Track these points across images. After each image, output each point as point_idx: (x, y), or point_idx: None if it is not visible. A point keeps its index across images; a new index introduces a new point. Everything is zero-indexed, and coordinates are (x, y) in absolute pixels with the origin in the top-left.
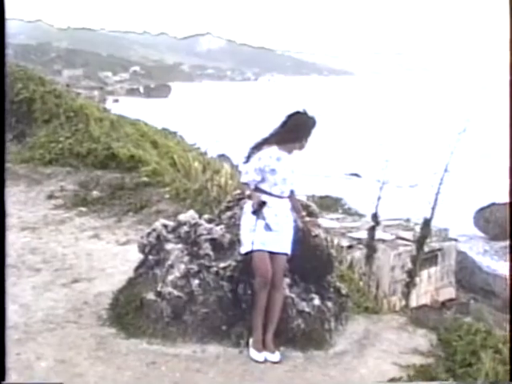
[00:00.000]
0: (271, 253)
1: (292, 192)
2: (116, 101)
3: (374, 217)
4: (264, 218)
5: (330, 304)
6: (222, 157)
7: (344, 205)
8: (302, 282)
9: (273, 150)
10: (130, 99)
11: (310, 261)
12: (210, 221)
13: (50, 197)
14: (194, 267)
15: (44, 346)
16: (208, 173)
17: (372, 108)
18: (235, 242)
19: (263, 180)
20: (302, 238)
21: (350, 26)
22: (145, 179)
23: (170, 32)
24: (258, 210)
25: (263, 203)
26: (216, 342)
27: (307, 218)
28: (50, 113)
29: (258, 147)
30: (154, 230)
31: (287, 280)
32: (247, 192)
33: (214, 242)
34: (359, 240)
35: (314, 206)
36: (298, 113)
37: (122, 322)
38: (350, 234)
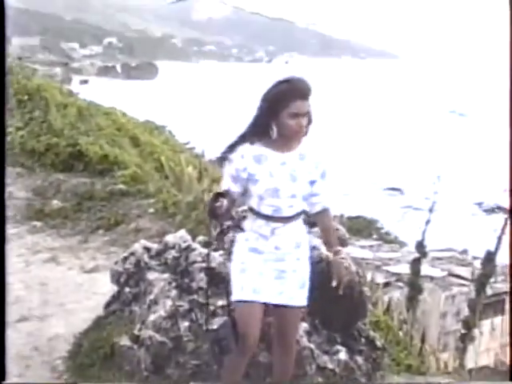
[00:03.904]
0: (274, 305)
1: (323, 210)
2: (84, 82)
3: (420, 246)
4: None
5: (360, 359)
6: (224, 161)
7: (380, 228)
8: (324, 328)
9: (247, 148)
10: (103, 80)
11: (335, 301)
12: (206, 244)
13: None
14: (185, 304)
15: None
16: (205, 181)
17: (420, 99)
18: None
19: (246, 192)
20: (325, 269)
21: None
22: (121, 187)
23: None
24: (211, 203)
25: (217, 196)
26: None
27: (342, 257)
28: None
29: (233, 147)
30: (132, 253)
31: (305, 325)
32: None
33: (210, 272)
34: (399, 275)
35: (342, 230)
36: (272, 86)
37: (86, 374)
38: (386, 268)
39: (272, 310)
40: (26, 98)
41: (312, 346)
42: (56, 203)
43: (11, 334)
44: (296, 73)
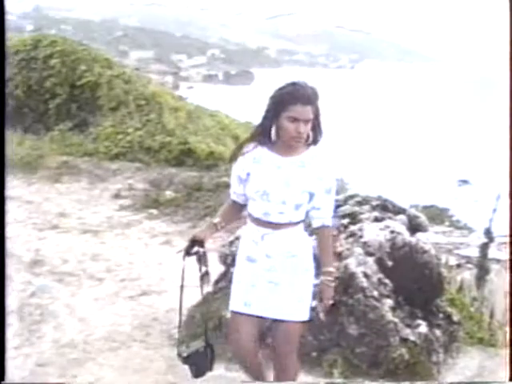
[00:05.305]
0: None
1: (321, 227)
2: (190, 87)
3: (488, 232)
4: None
5: (438, 332)
6: (233, 160)
7: (451, 216)
8: (406, 304)
9: (250, 148)
10: (206, 86)
11: (416, 280)
12: None
13: (116, 196)
14: None
15: (105, 368)
16: None
17: (489, 102)
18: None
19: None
20: (408, 253)
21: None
22: (226, 179)
23: (254, 10)
24: (187, 250)
25: (193, 244)
26: (304, 370)
27: (330, 279)
28: (118, 100)
29: (241, 146)
30: (237, 238)
31: (390, 302)
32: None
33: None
34: (468, 258)
35: (422, 218)
36: (279, 87)
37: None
38: (457, 251)
39: (271, 323)
40: (143, 102)
41: (396, 320)
42: (169, 194)
43: (135, 307)
44: (377, 77)
